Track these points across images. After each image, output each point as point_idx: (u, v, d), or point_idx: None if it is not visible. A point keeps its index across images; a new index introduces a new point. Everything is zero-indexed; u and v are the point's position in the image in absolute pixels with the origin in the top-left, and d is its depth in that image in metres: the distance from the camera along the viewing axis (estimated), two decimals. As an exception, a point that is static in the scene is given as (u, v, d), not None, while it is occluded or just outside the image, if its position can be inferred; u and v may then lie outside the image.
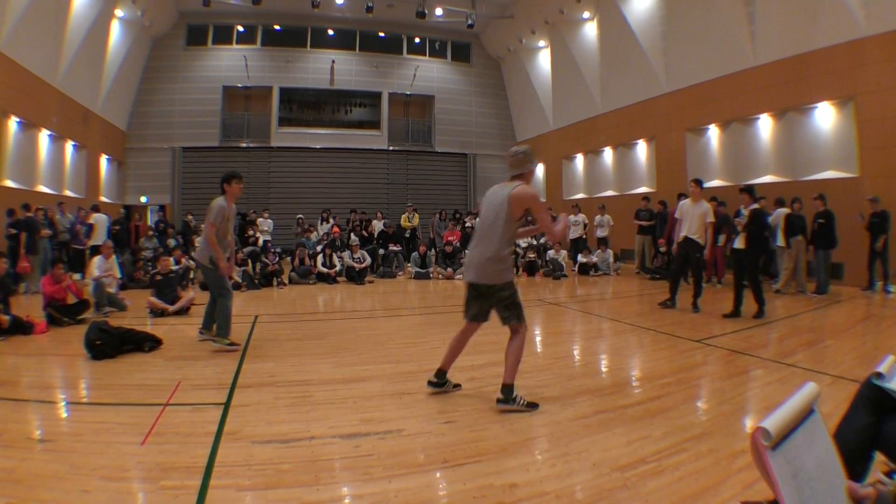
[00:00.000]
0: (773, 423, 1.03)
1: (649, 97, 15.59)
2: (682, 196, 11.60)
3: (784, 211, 9.87)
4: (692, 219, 7.74)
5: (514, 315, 3.83)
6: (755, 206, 7.26)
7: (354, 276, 11.80)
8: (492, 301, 3.87)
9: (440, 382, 4.10)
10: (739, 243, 7.33)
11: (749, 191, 7.35)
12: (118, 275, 8.81)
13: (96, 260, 8.29)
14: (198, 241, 5.50)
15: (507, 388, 3.73)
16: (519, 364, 3.81)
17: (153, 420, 3.45)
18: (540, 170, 22.26)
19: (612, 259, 13.50)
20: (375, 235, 14.69)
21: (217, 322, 5.56)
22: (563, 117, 19.99)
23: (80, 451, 2.98)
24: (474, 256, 3.92)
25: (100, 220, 12.04)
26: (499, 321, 3.90)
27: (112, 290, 8.20)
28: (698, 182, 7.95)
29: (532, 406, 3.72)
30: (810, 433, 1.13)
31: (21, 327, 6.26)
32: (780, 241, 9.93)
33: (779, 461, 1.04)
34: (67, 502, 2.47)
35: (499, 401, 3.72)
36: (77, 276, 9.01)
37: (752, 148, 12.80)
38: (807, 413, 1.14)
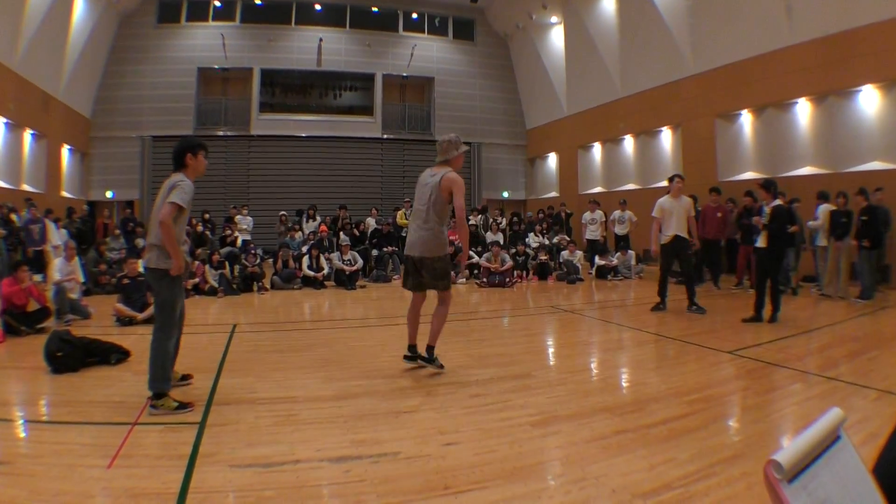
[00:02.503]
0: (786, 454, 1.03)
1: (675, 79, 15.62)
2: (714, 190, 11.62)
3: (828, 207, 9.86)
4: (679, 215, 8.28)
5: (443, 284, 5.11)
6: (777, 202, 7.51)
7: (344, 280, 11.81)
8: (425, 272, 5.03)
9: (412, 356, 5.23)
10: (761, 242, 7.63)
11: (767, 186, 7.66)
12: (81, 279, 8.83)
13: (57, 262, 8.30)
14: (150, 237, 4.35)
15: (430, 349, 5.16)
16: (441, 329, 5.20)
17: (120, 441, 3.45)
18: (552, 160, 22.30)
19: (633, 261, 13.50)
20: (368, 235, 14.69)
21: (150, 370, 4.14)
22: (578, 102, 20.01)
23: (40, 475, 2.98)
24: (416, 234, 5.06)
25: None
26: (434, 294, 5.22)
27: (74, 295, 8.21)
28: (680, 176, 8.61)
29: (441, 367, 5.10)
30: (836, 461, 1.13)
31: (-27, 337, 6.27)
32: (822, 240, 9.94)
33: (796, 494, 1.03)
34: (25, 533, 2.47)
35: (420, 357, 5.17)
36: (38, 278, 9.00)
37: (788, 136, 12.80)
38: (831, 440, 1.14)
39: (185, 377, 4.76)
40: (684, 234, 8.29)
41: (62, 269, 8.18)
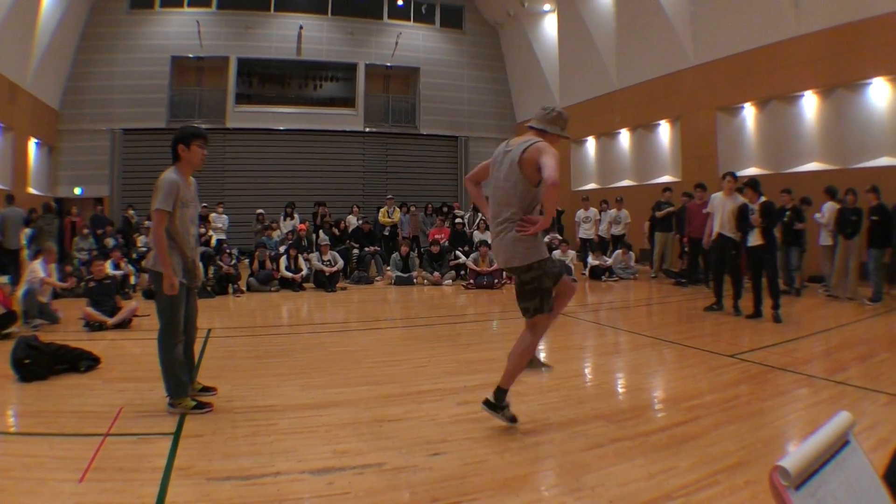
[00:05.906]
0: (793, 460, 1.05)
1: (674, 70, 15.68)
2: (699, 186, 11.65)
3: (834, 206, 9.95)
4: (724, 214, 8.31)
5: (533, 306, 3.81)
6: (763, 199, 7.97)
7: (324, 281, 11.77)
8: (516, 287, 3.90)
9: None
10: (755, 241, 7.98)
11: (752, 185, 8.14)
12: (56, 281, 8.74)
13: (37, 263, 8.21)
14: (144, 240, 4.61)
15: (501, 393, 3.83)
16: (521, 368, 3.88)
17: (92, 453, 3.43)
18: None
19: (633, 261, 13.56)
20: (349, 233, 14.65)
21: (165, 378, 4.26)
22: (571, 94, 20.04)
23: (9, 490, 2.97)
24: (496, 235, 3.86)
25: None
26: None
27: (44, 298, 8.11)
28: (732, 175, 8.57)
29: (513, 420, 3.85)
30: (845, 467, 1.15)
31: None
32: (827, 239, 10.05)
33: (804, 501, 1.05)
34: (-12, 551, 2.46)
35: (486, 402, 3.83)
36: (5, 280, 8.87)
37: (794, 130, 12.89)
38: (840, 445, 1.16)
39: (207, 389, 4.65)
40: (728, 234, 8.30)
41: (44, 271, 8.11)
